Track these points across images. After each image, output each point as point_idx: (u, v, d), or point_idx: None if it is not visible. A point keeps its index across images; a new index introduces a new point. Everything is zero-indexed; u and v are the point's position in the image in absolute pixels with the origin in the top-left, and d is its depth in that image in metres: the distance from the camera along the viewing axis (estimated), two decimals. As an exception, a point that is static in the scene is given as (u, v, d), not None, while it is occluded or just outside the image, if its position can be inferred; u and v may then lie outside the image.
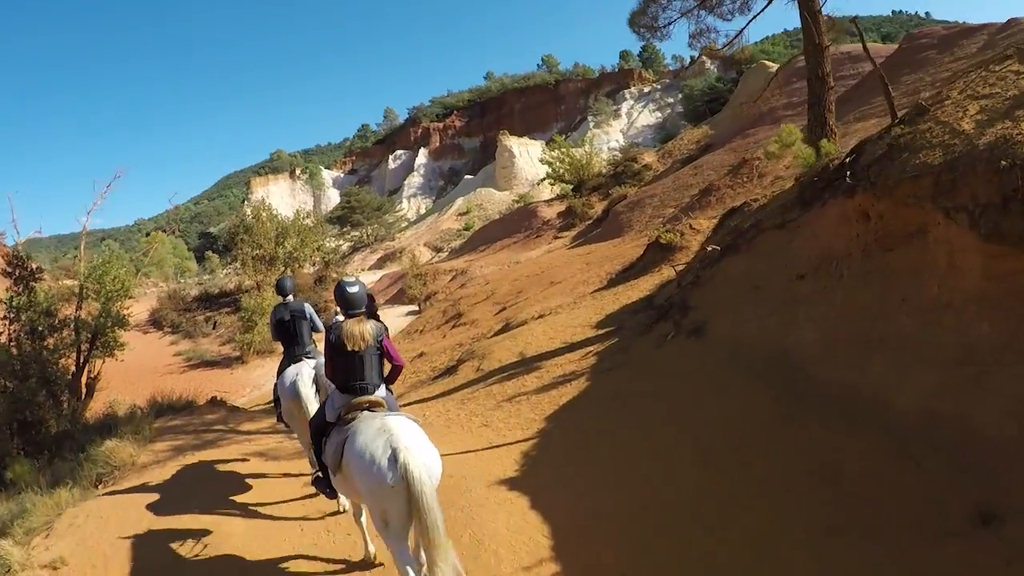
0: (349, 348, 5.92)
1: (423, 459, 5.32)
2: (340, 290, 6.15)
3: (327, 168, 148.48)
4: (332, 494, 6.83)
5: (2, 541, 8.79)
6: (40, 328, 19.98)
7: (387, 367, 6.41)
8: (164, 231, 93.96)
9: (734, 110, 45.72)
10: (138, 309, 44.04)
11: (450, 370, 16.62)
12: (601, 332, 14.47)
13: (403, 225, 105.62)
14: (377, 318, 6.37)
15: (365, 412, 5.88)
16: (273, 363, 28.22)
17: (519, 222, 52.69)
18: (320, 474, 6.66)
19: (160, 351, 37.43)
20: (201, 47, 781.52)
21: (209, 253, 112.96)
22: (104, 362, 21.96)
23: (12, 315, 19.65)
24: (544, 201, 56.79)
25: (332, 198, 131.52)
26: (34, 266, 21.64)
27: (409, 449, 5.26)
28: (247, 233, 40.08)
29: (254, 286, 38.82)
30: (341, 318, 6.46)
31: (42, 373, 18.85)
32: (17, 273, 20.62)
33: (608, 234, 32.39)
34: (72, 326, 20.98)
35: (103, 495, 10.24)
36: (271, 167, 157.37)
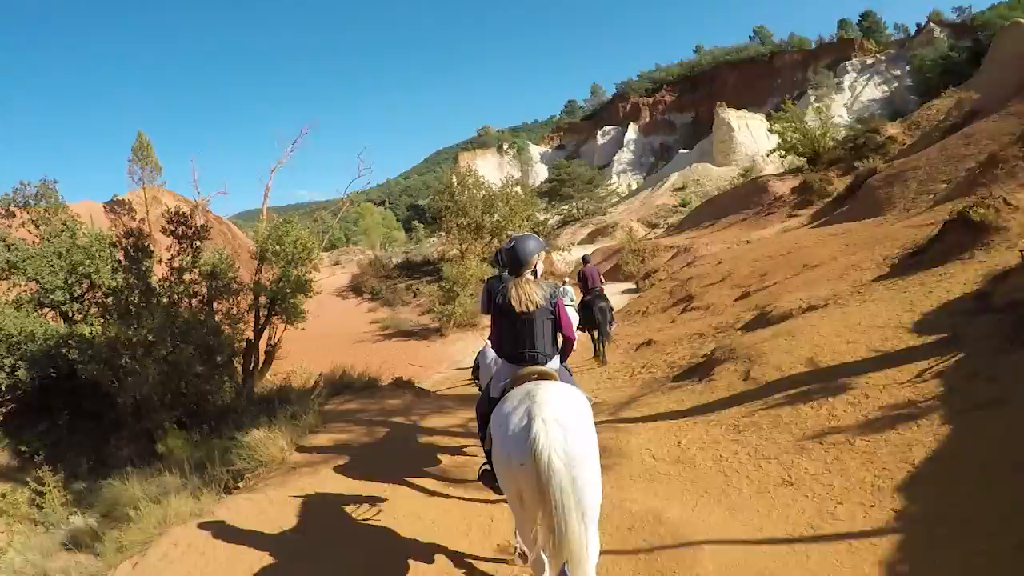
0: (517, 310, 5.25)
1: (561, 438, 4.40)
2: (509, 243, 5.44)
3: (535, 144, 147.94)
4: (498, 489, 5.41)
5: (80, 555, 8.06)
6: (205, 292, 18.71)
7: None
8: (374, 202, 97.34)
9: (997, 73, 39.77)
10: (341, 275, 44.02)
11: (697, 370, 12.34)
12: (928, 340, 9.75)
13: (614, 200, 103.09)
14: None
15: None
16: (474, 338, 27.47)
17: (747, 198, 49.43)
18: (488, 466, 5.63)
19: (357, 318, 36.87)
20: (409, 24, 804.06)
21: (416, 223, 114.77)
22: (286, 329, 20.65)
23: (173, 277, 18.30)
24: (774, 175, 52.65)
25: (540, 173, 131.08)
26: (199, 223, 20.22)
27: (547, 422, 4.43)
28: (452, 200, 39.07)
29: (458, 255, 38.04)
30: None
31: (203, 340, 17.21)
32: (180, 231, 19.22)
33: (861, 212, 28.01)
34: (249, 291, 19.62)
35: (224, 506, 8.87)
36: (478, 143, 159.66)
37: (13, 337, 19.51)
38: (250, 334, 20.35)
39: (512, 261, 5.41)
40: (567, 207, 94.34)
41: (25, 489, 18.87)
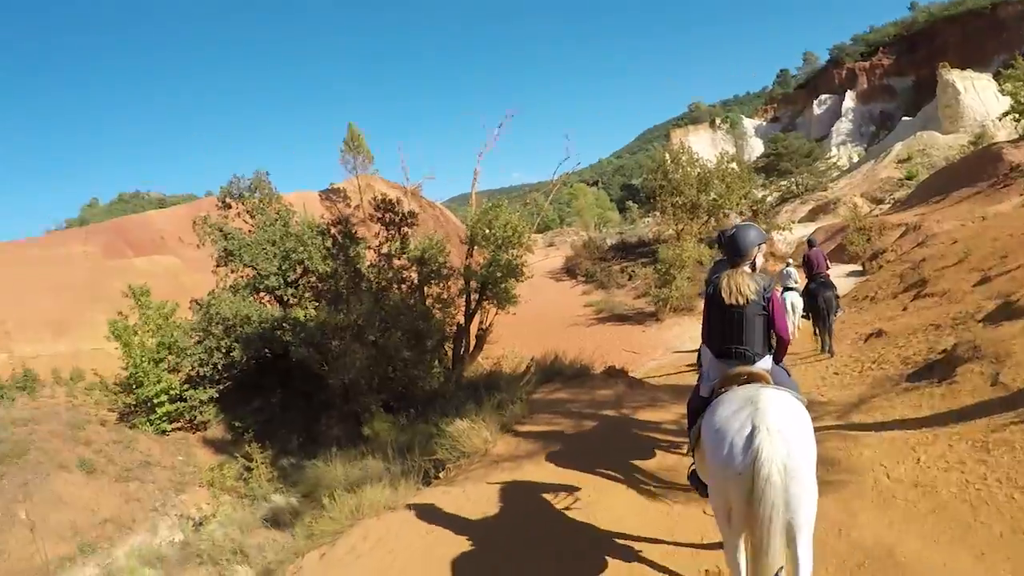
0: (727, 302, 4.86)
1: (784, 451, 4.05)
2: (730, 231, 5.04)
3: (747, 117, 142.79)
4: (706, 491, 5.06)
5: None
6: (415, 277, 18.30)
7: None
8: (587, 183, 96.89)
9: None
10: (555, 257, 43.48)
11: (935, 369, 10.48)
12: None
13: (834, 174, 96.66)
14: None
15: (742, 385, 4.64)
16: (691, 323, 26.24)
17: (979, 168, 44.63)
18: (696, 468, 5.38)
19: (571, 300, 36.19)
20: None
21: (630, 204, 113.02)
22: (497, 313, 20.35)
23: (382, 262, 17.89)
24: (1008, 142, 47.55)
25: (755, 148, 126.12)
26: (407, 210, 19.85)
27: (771, 432, 4.08)
28: (666, 178, 37.42)
29: (674, 236, 36.39)
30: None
31: (412, 326, 16.79)
32: (387, 218, 18.86)
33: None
34: (459, 275, 19.25)
35: (420, 498, 8.56)
36: (690, 118, 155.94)
37: (229, 320, 20.10)
38: (461, 318, 20.23)
39: (730, 250, 5.06)
40: (785, 183, 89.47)
41: (235, 463, 19.47)
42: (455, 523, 7.24)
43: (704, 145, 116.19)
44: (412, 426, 14.58)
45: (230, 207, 24.12)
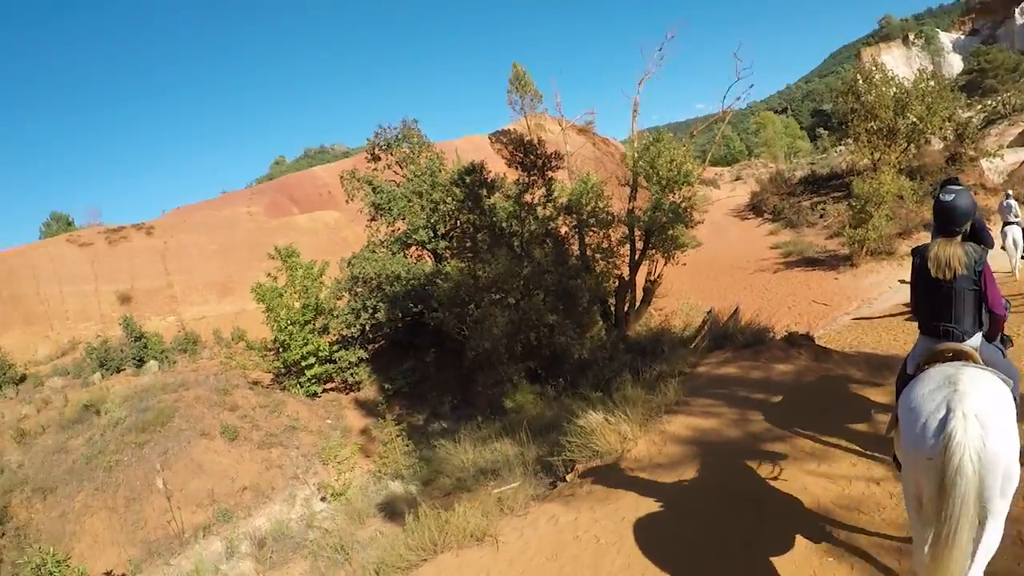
0: (934, 275, 4.43)
1: (979, 438, 3.70)
2: (945, 196, 4.50)
3: (943, 31, 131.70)
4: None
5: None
6: (564, 228, 16.19)
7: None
8: (774, 110, 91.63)
9: None
10: (741, 192, 40.57)
11: None
12: None
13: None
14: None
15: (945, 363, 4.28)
16: (890, 269, 24.06)
17: None
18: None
19: (756, 242, 32.93)
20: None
21: (821, 131, 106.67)
22: (667, 263, 18.34)
23: (523, 213, 15.81)
24: None
25: (953, 64, 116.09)
26: (550, 152, 17.63)
27: (967, 416, 3.74)
28: (858, 101, 33.20)
29: (869, 166, 32.56)
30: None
31: (559, 285, 14.78)
32: (527, 162, 16.73)
33: None
34: (621, 222, 17.26)
35: (517, 524, 7.31)
36: (881, 35, 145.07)
37: (373, 280, 18.87)
38: (625, 270, 18.15)
39: (943, 219, 4.50)
40: (991, 102, 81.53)
41: (383, 425, 18.70)
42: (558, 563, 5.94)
43: (898, 63, 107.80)
44: (559, 399, 12.93)
45: (379, 159, 23.14)
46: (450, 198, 18.29)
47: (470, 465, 10.61)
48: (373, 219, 22.41)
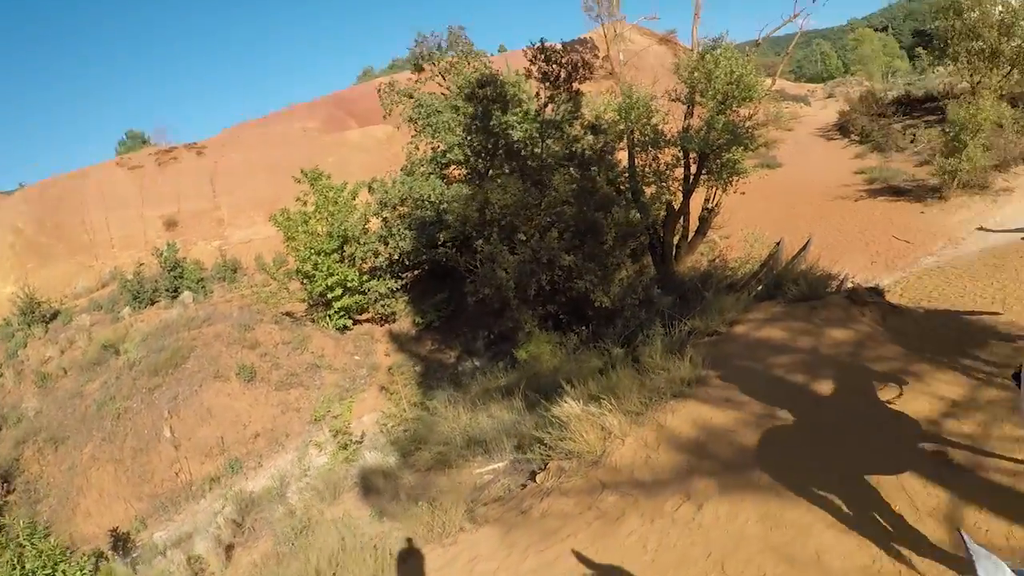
0: None
1: None
2: None
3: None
4: None
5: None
6: (586, 151, 14.26)
7: None
8: (875, 28, 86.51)
9: None
10: (832, 110, 38.14)
11: None
12: None
13: None
14: None
15: None
16: (983, 206, 21.71)
17: None
18: None
19: (840, 165, 30.37)
20: None
21: (920, 50, 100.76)
22: (725, 191, 16.53)
23: (541, 133, 13.86)
24: None
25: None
26: (573, 61, 15.74)
27: None
28: (960, 18, 30.11)
29: (968, 90, 29.33)
30: None
31: (583, 218, 12.90)
32: (550, 71, 14.86)
33: None
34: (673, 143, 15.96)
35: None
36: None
37: (398, 206, 17.32)
38: (678, 197, 16.49)
39: None
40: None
41: (394, 373, 17.86)
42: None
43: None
44: (579, 353, 11.21)
45: (422, 70, 21.13)
46: (463, 115, 16.35)
47: (459, 435, 9.41)
48: (414, 135, 20.57)
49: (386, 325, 20.66)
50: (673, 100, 16.09)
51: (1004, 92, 27.26)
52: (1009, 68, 28.61)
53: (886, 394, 6.38)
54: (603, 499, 5.75)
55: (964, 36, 29.75)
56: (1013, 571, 2.21)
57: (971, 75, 29.98)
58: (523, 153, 14.74)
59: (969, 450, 5.24)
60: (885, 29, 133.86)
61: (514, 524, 6.08)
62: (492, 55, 26.51)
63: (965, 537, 2.22)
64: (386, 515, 8.10)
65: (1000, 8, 29.23)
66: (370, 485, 10.12)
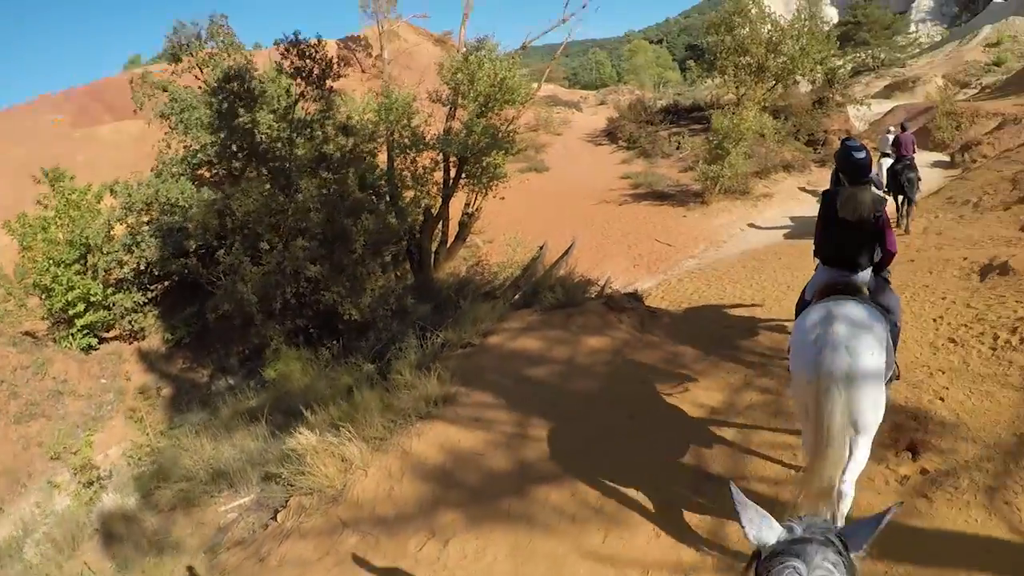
0: (840, 216, 5.16)
1: (845, 364, 4.39)
2: (845, 154, 5.26)
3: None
4: None
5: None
6: (335, 153, 13.75)
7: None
8: (650, 40, 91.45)
9: None
10: (602, 116, 39.30)
11: None
12: None
13: (914, 51, 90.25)
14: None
15: (838, 295, 4.96)
16: (743, 211, 23.19)
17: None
18: None
19: (606, 171, 31.21)
20: None
21: (691, 63, 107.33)
22: (485, 196, 16.54)
23: (288, 133, 13.26)
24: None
25: (830, 16, 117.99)
26: (329, 57, 15.33)
27: (836, 347, 4.43)
28: (730, 34, 32.45)
29: (734, 101, 31.41)
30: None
31: (334, 225, 12.31)
32: (305, 68, 14.27)
33: None
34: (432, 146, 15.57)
35: None
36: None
37: (141, 207, 16.12)
38: (437, 202, 16.40)
39: (854, 170, 5.18)
40: (861, 54, 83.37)
41: (141, 399, 16.52)
42: None
43: (778, 5, 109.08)
44: (330, 370, 10.71)
45: (180, 61, 19.68)
46: (206, 112, 15.39)
47: (203, 468, 8.63)
48: (167, 133, 19.10)
49: (135, 343, 18.85)
50: (435, 101, 15.83)
51: (767, 104, 29.44)
52: (774, 82, 31.09)
53: (644, 404, 6.51)
54: (343, 541, 5.37)
55: (733, 51, 31.84)
56: (781, 525, 2.26)
57: (737, 87, 32.06)
58: (270, 155, 13.89)
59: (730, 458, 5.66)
60: (660, 42, 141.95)
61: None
62: (265, 49, 25.51)
63: (732, 489, 2.33)
64: (130, 567, 7.45)
65: (769, 27, 31.74)
66: (111, 532, 9.14)
